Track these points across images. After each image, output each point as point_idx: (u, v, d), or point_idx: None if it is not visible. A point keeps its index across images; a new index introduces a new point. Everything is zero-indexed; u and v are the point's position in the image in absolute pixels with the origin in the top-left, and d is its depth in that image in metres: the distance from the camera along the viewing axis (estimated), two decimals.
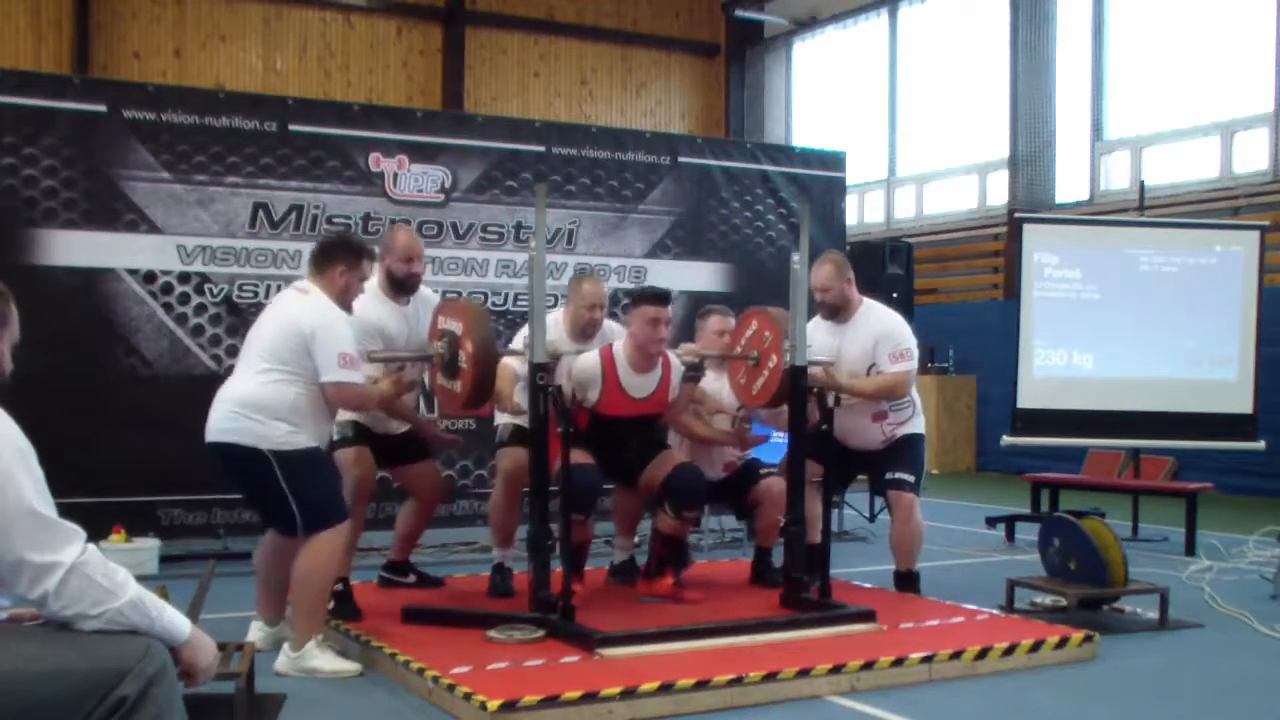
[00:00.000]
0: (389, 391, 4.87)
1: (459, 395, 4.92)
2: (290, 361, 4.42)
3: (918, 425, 5.97)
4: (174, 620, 2.51)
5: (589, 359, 5.39)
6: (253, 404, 4.38)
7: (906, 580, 5.82)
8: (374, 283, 5.19)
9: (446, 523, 7.35)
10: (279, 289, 6.90)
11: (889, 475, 5.85)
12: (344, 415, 5.05)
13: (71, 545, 2.39)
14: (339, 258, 4.62)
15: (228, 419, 4.40)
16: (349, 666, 4.52)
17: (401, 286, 5.28)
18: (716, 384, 5.91)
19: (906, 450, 5.88)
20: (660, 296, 5.39)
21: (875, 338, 5.82)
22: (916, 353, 5.93)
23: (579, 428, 5.20)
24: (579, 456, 5.08)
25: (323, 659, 4.49)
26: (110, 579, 2.42)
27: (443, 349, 4.95)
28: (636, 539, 6.03)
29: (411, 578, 5.77)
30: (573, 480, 4.90)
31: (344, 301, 4.62)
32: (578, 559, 5.36)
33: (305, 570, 4.46)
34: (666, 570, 5.53)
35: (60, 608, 2.38)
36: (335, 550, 4.55)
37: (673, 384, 5.47)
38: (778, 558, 5.76)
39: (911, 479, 5.82)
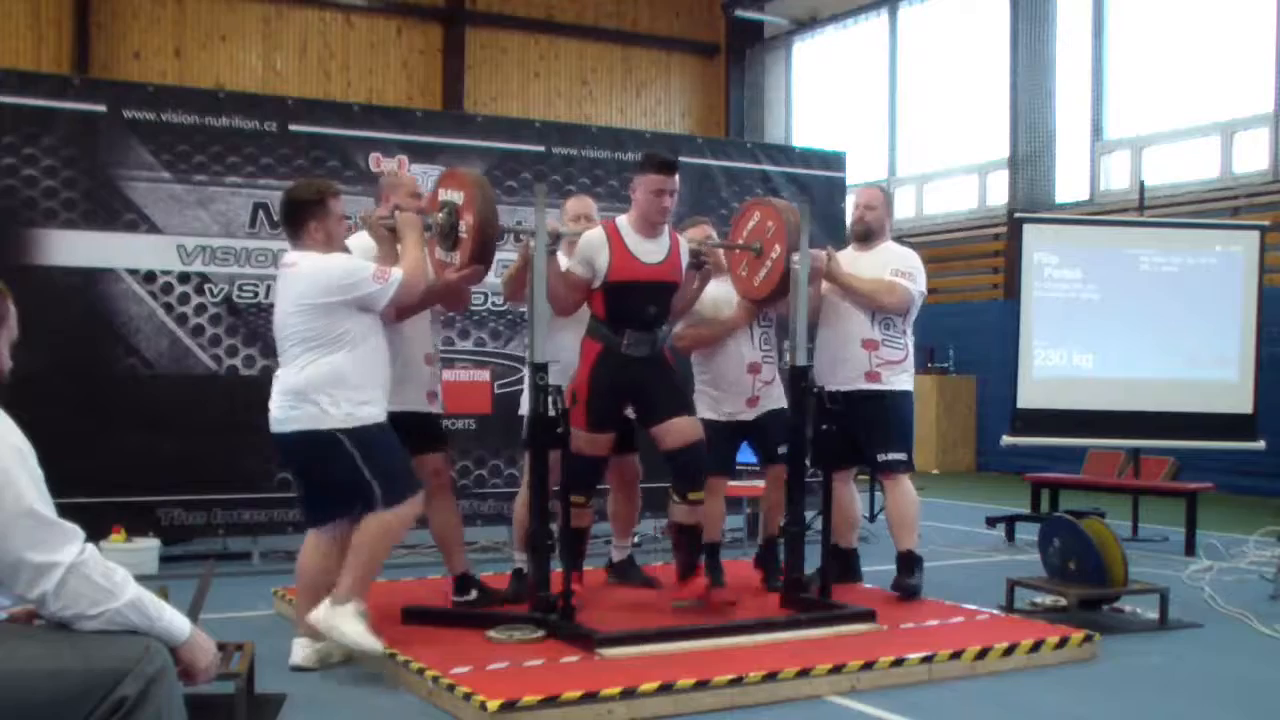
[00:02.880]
0: (413, 233, 4.66)
1: (458, 266, 4.80)
2: (327, 332, 4.37)
3: (906, 377, 5.82)
4: (174, 620, 2.51)
5: (592, 232, 5.19)
6: (308, 388, 4.35)
7: (906, 562, 5.67)
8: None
9: None
10: None
11: (880, 458, 5.76)
12: None
13: (70, 545, 2.39)
14: (307, 214, 4.49)
15: (287, 408, 4.39)
16: (373, 644, 4.40)
17: None
18: (716, 290, 5.74)
19: (894, 420, 5.75)
20: (667, 165, 5.11)
21: (888, 262, 5.82)
22: (922, 282, 5.84)
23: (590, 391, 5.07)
24: (586, 442, 5.01)
25: (352, 624, 4.39)
26: (109, 579, 2.42)
27: (442, 218, 4.82)
28: (636, 538, 6.00)
29: (472, 593, 5.33)
30: (573, 459, 4.85)
31: (334, 249, 4.54)
32: (577, 548, 5.22)
33: (372, 535, 4.40)
34: (697, 570, 5.30)
35: (60, 608, 2.38)
36: (407, 522, 4.52)
37: (682, 257, 5.26)
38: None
39: (903, 458, 5.74)
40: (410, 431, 5.05)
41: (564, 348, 5.22)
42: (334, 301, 4.37)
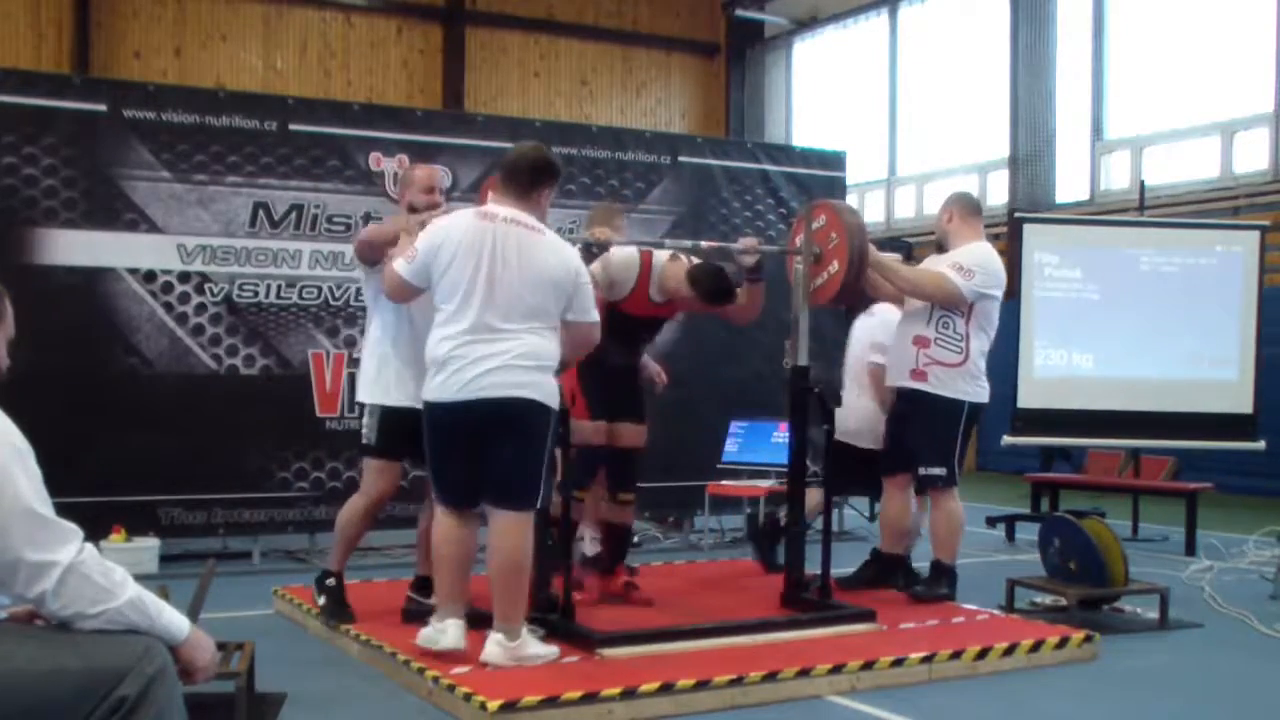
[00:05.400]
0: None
1: None
2: (552, 312, 4.27)
3: (962, 384, 5.60)
4: (173, 619, 2.51)
5: (629, 253, 5.24)
6: (540, 359, 4.22)
7: (934, 571, 5.69)
8: None
9: None
10: (279, 288, 6.92)
11: (921, 472, 5.66)
12: (376, 399, 4.89)
13: (69, 545, 2.39)
14: (546, 180, 4.38)
15: (518, 374, 4.17)
16: (554, 651, 4.38)
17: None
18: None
19: (933, 429, 5.60)
20: (717, 294, 5.11)
21: (953, 257, 5.66)
22: (983, 281, 5.55)
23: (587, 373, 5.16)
24: (592, 432, 5.11)
25: (535, 644, 4.36)
26: (108, 578, 2.42)
27: None
28: (635, 538, 6.03)
29: (433, 599, 5.16)
30: (581, 454, 4.99)
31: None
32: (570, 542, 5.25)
33: (519, 552, 4.28)
34: (618, 569, 5.47)
35: (59, 607, 2.38)
36: (532, 529, 4.45)
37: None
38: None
39: (942, 473, 5.59)
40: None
41: None
42: (569, 292, 4.29)
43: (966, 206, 5.90)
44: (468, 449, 4.29)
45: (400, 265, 4.37)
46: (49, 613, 2.40)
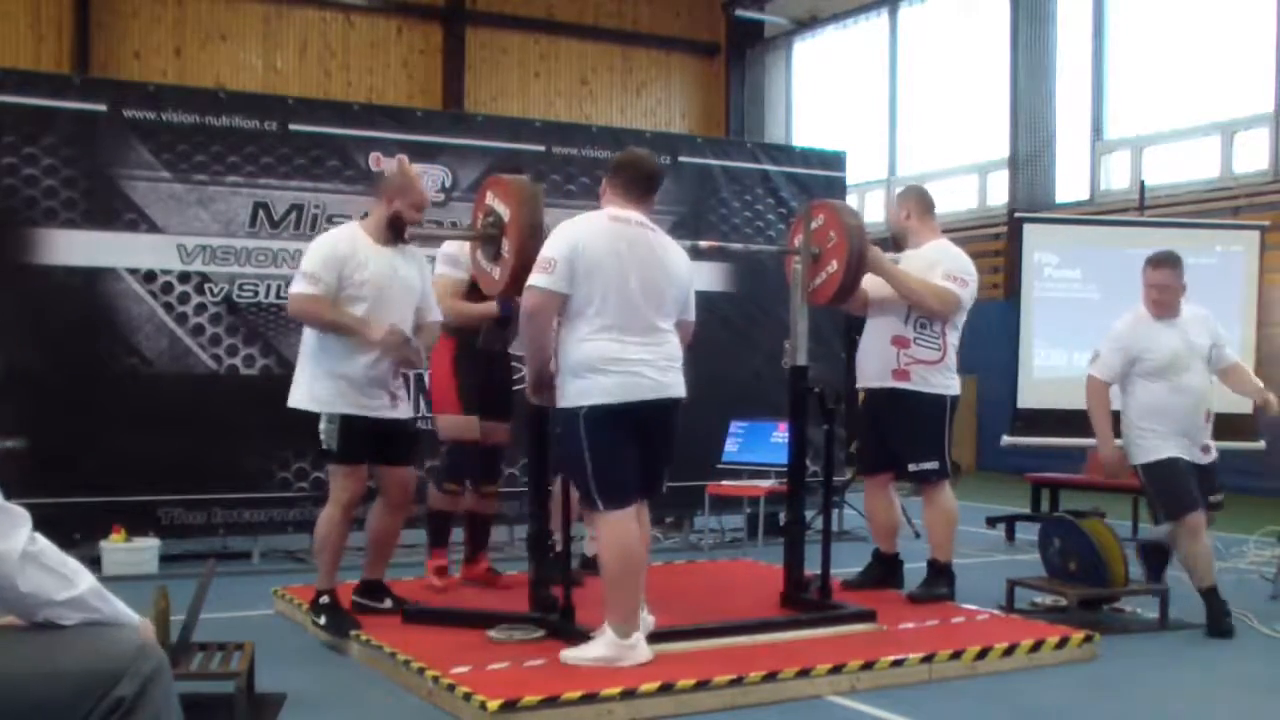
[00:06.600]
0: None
1: (496, 282, 4.77)
2: (683, 309, 4.48)
3: (942, 379, 5.63)
4: (125, 607, 2.47)
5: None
6: (681, 357, 4.41)
7: (930, 570, 5.69)
8: (362, 223, 4.99)
9: None
10: (279, 288, 6.92)
11: (912, 468, 5.69)
12: (334, 407, 4.82)
13: (20, 529, 2.33)
14: (657, 188, 4.60)
15: (678, 374, 4.38)
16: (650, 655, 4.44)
17: (399, 233, 4.88)
18: None
19: (922, 425, 5.62)
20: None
21: (939, 261, 5.66)
22: (974, 288, 5.68)
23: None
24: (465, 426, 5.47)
25: (646, 650, 4.41)
26: (66, 566, 2.37)
27: (486, 226, 4.75)
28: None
29: (387, 602, 5.16)
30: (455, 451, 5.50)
31: None
32: (441, 531, 5.70)
33: (632, 547, 4.39)
34: (480, 555, 5.85)
35: (28, 593, 2.32)
36: None
37: None
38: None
39: (934, 465, 5.62)
40: (398, 438, 4.97)
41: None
42: (689, 291, 4.48)
43: (923, 203, 5.94)
44: (634, 446, 4.33)
45: (541, 280, 4.23)
46: (16, 599, 2.33)
